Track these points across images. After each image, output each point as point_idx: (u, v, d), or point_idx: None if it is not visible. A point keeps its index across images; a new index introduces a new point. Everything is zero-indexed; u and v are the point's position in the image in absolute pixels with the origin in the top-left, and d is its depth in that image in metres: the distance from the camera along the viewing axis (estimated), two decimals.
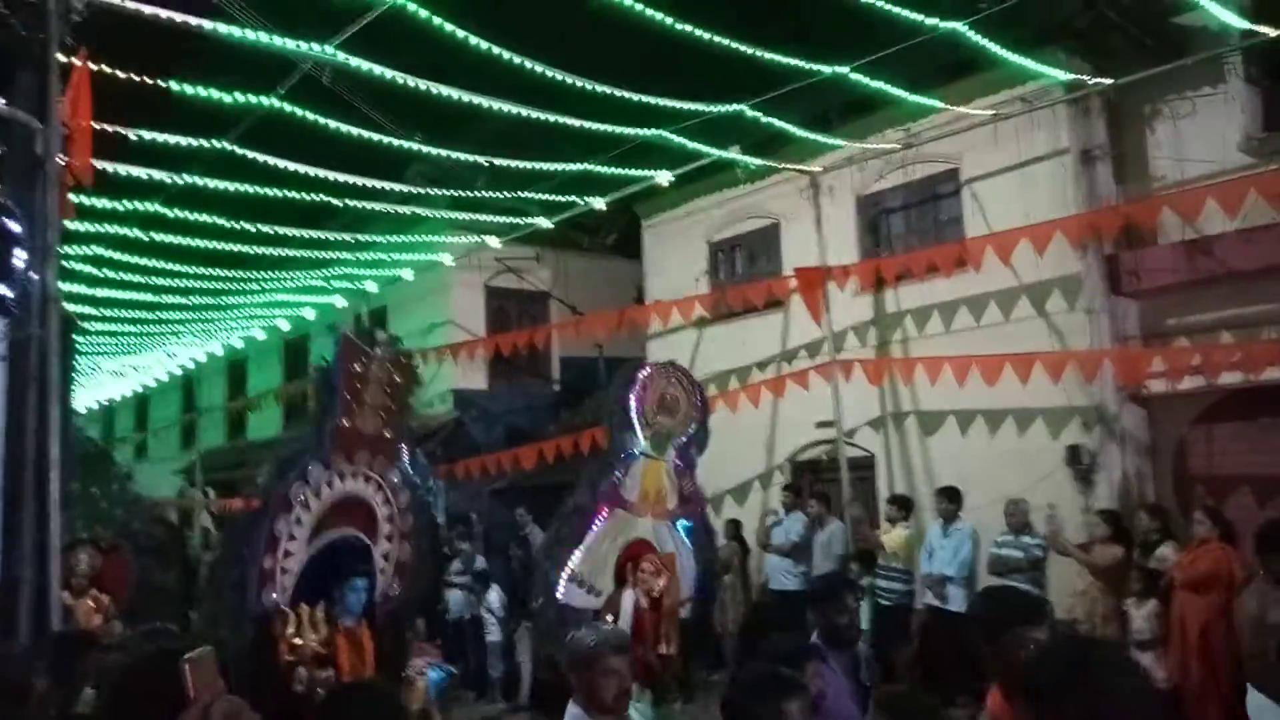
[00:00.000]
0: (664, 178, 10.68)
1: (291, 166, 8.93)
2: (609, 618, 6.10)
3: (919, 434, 10.69)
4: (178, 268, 12.14)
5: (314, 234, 11.73)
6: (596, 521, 6.32)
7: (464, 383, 15.10)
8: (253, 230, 10.80)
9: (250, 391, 20.21)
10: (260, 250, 11.84)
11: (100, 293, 12.74)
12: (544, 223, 12.28)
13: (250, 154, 8.64)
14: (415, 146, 9.40)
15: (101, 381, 20.87)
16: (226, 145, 8.49)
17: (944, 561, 8.68)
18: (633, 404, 6.57)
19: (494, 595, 10.69)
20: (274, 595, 5.08)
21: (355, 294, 15.20)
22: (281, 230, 11.10)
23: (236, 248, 11.52)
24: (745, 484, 12.01)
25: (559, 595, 6.18)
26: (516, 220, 12.56)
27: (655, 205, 13.51)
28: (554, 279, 16.28)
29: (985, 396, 9.41)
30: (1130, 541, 8.01)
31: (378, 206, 10.90)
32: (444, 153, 9.38)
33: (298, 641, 4.97)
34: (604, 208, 11.74)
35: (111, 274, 12.09)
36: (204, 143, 8.45)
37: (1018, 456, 9.44)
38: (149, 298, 13.32)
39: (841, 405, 10.51)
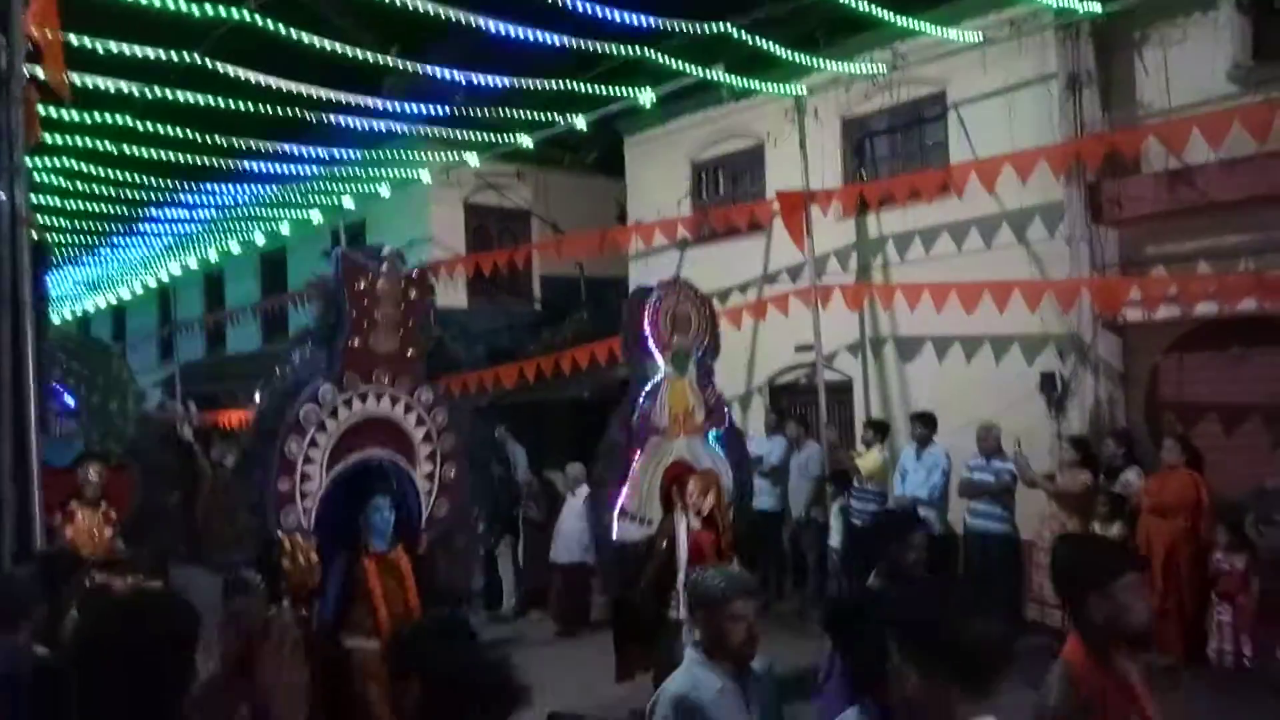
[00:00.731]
0: (647, 98, 10.50)
1: (264, 80, 8.72)
2: (661, 542, 6.26)
3: (896, 359, 10.79)
4: (150, 181, 11.92)
5: (288, 148, 11.51)
6: (636, 456, 6.38)
7: (444, 301, 14.88)
8: (225, 144, 10.59)
9: (227, 305, 20.04)
10: (233, 164, 11.63)
11: (72, 205, 12.55)
12: (525, 140, 12.08)
13: (222, 67, 8.41)
14: (391, 61, 9.17)
15: (77, 294, 20.66)
16: (197, 58, 8.27)
17: (916, 484, 8.87)
18: (647, 330, 6.60)
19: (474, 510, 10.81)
20: (294, 517, 5.03)
21: (332, 209, 14.98)
22: (255, 144, 10.89)
23: (209, 162, 11.31)
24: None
25: (614, 535, 6.28)
26: (496, 137, 12.35)
27: (638, 123, 13.30)
28: (535, 196, 16.09)
29: (962, 323, 9.48)
30: (1097, 467, 8.21)
31: (353, 121, 10.67)
32: (421, 68, 9.15)
33: (287, 566, 4.94)
34: (584, 128, 11.56)
35: (84, 187, 11.88)
36: (174, 55, 8.22)
37: (993, 382, 9.57)
38: (122, 211, 13.11)
39: (821, 329, 10.56)
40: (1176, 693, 7.20)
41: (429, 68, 9.16)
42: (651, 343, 6.61)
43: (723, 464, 6.86)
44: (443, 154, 13.19)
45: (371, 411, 5.41)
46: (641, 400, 6.50)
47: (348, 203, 14.67)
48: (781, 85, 10.96)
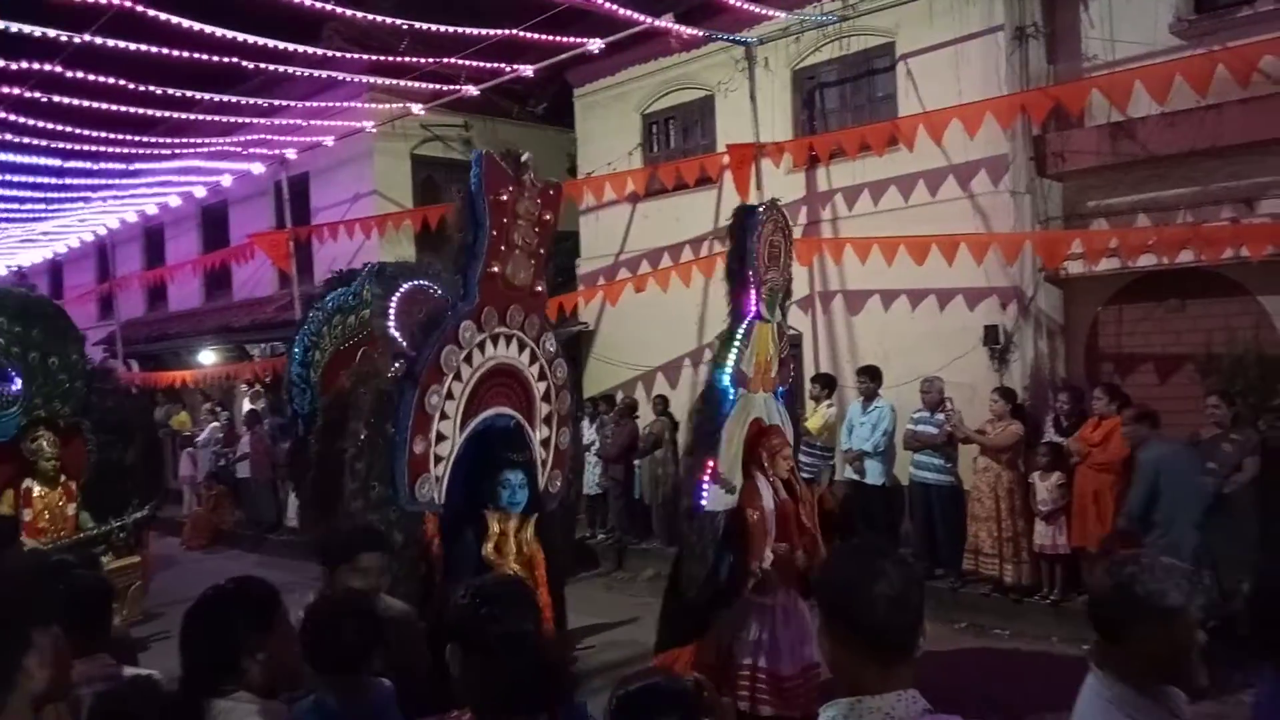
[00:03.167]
0: (595, 45, 10.32)
1: (201, 27, 8.43)
2: (752, 514, 5.17)
3: (845, 313, 10.85)
4: (82, 131, 11.52)
5: (226, 98, 11.18)
6: (727, 408, 5.25)
7: (391, 255, 14.79)
8: (159, 94, 10.24)
9: (168, 261, 19.56)
10: (169, 114, 11.27)
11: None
12: (471, 90, 11.84)
13: (154, 13, 8.10)
14: (330, 6, 8.90)
15: (11, 249, 20.02)
16: (128, 3, 7.94)
17: (862, 438, 8.98)
18: (752, 257, 5.42)
19: None
20: (426, 489, 4.12)
21: (274, 161, 14.62)
22: (191, 94, 10.55)
23: (143, 111, 10.95)
24: (676, 361, 12.13)
25: (703, 503, 5.06)
26: (442, 86, 12.10)
27: (587, 74, 13.10)
28: (483, 148, 15.81)
29: (909, 276, 9.55)
30: (1026, 418, 8.36)
31: (293, 70, 10.39)
32: (360, 14, 8.91)
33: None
34: (532, 75, 11.35)
35: (12, 137, 11.45)
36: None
37: (938, 335, 9.67)
38: (54, 162, 12.67)
39: None
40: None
41: (371, 15, 8.92)
42: (753, 275, 5.44)
43: (789, 426, 5.89)
44: (387, 103, 12.90)
45: (503, 358, 4.53)
46: (738, 341, 5.34)
47: (290, 154, 14.33)
48: (731, 33, 10.84)
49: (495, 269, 4.43)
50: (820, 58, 10.99)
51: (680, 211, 12.26)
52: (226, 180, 15.54)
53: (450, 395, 4.24)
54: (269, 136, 13.52)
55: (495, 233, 4.40)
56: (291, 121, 13.07)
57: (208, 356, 17.76)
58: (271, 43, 9.08)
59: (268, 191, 16.20)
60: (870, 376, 9.17)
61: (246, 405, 16.49)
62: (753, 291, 5.45)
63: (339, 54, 10.09)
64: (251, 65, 9.70)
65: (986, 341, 9.43)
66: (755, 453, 5.37)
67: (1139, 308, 9.05)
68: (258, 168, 14.89)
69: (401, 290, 5.46)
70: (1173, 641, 2.17)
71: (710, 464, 5.11)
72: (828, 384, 9.65)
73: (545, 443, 4.83)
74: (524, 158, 4.59)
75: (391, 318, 5.33)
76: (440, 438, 4.21)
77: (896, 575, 1.81)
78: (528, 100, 15.32)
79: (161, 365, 18.64)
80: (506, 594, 2.31)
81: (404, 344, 5.14)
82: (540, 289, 4.76)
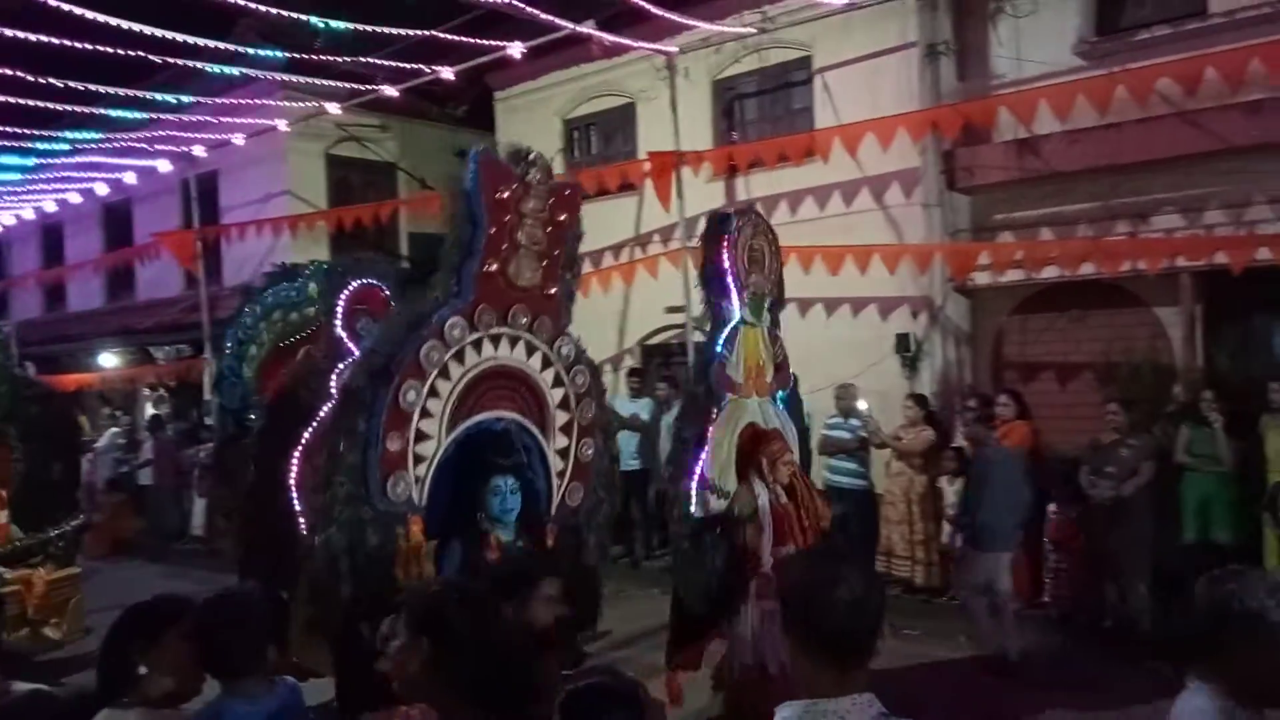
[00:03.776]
0: (516, 49, 10.28)
1: (107, 20, 8.12)
2: (749, 520, 5.16)
3: None
4: None
5: (131, 92, 10.79)
6: (714, 416, 5.27)
7: (304, 257, 14.42)
8: (61, 86, 9.83)
9: (68, 260, 18.79)
10: (71, 108, 10.84)
11: None
12: (389, 90, 11.67)
13: (56, 3, 7.78)
14: (244, 1, 8.66)
15: None
16: None
17: None
18: (727, 264, 5.41)
19: None
20: (403, 487, 3.94)
21: (181, 158, 14.16)
22: (94, 88, 10.15)
23: (43, 104, 10.50)
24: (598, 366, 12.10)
25: (692, 510, 5.12)
26: (359, 86, 11.90)
27: (508, 78, 13.03)
28: (401, 150, 15.59)
29: (824, 285, 9.73)
30: (938, 424, 8.61)
31: (202, 65, 10.09)
32: (274, 10, 8.70)
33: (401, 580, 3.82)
34: (452, 77, 11.24)
35: None
36: None
37: (852, 343, 9.87)
38: None
39: (691, 291, 10.64)
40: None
41: (285, 11, 8.72)
42: (731, 280, 5.42)
43: (790, 430, 5.79)
44: (302, 103, 12.62)
45: (504, 360, 4.35)
46: (720, 348, 5.33)
47: (198, 152, 13.91)
48: (652, 42, 10.90)
49: (494, 267, 4.23)
50: (740, 69, 11.15)
51: (601, 217, 12.20)
52: (130, 177, 15.00)
53: (435, 393, 4.05)
54: (176, 133, 13.11)
55: (494, 230, 4.20)
56: (201, 118, 12.69)
57: (109, 359, 17.09)
58: (181, 36, 8.80)
59: (174, 190, 15.69)
60: None
61: (150, 410, 15.93)
62: (734, 297, 5.44)
63: (252, 50, 9.83)
64: (160, 59, 9.41)
65: (898, 349, 9.67)
66: (754, 458, 5.33)
67: (1042, 318, 9.38)
68: (164, 165, 14.41)
69: (350, 288, 5.30)
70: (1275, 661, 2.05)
71: (698, 471, 5.11)
72: None
73: (564, 453, 4.61)
74: (531, 155, 4.32)
75: (339, 316, 5.18)
76: (421, 436, 4.02)
77: (857, 580, 1.83)
78: (447, 103, 15.16)
79: (60, 368, 17.85)
80: (475, 590, 2.31)
81: (350, 344, 5.01)
82: (553, 291, 4.50)
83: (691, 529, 5.14)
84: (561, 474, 4.60)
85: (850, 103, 9.96)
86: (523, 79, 12.91)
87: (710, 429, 5.22)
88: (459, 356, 4.16)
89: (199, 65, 10.06)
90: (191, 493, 12.98)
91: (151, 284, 16.92)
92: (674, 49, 11.02)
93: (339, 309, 5.21)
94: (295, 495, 4.81)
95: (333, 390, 4.81)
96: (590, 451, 4.72)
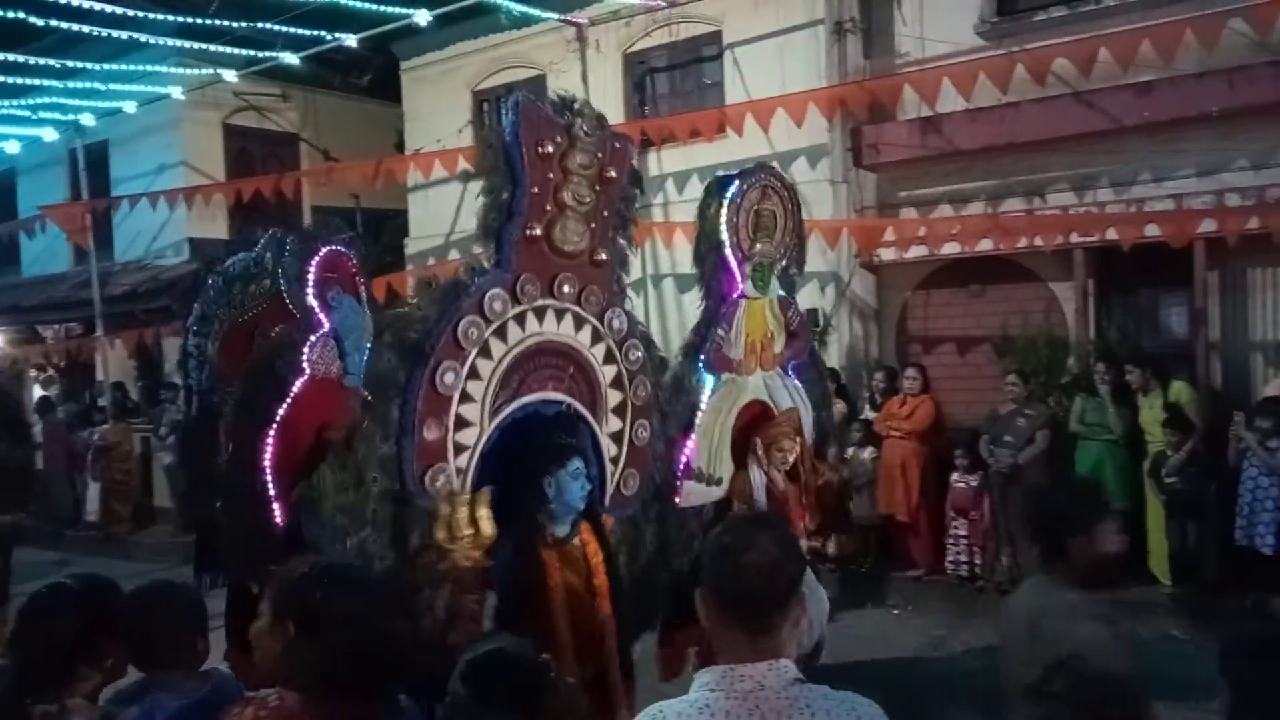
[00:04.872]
0: (422, 17, 10.05)
1: None
2: (739, 506, 4.86)
3: (676, 294, 11.05)
4: None
5: (13, 57, 10.23)
6: (703, 399, 4.84)
7: (201, 231, 13.96)
8: None
9: None
10: None
11: None
12: (289, 58, 11.29)
13: None
14: None
15: None
16: None
17: None
18: (725, 235, 4.88)
19: None
20: (444, 480, 3.54)
21: (68, 126, 13.49)
22: None
23: None
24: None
25: (678, 499, 4.70)
26: (257, 53, 11.49)
27: (414, 47, 12.73)
28: (303, 121, 15.12)
29: None
30: (849, 398, 8.81)
31: (88, 29, 9.61)
32: None
33: (444, 543, 3.46)
34: (355, 44, 10.93)
35: None
36: None
37: None
38: None
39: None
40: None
41: None
42: (729, 252, 4.91)
43: (802, 400, 5.35)
44: (195, 69, 12.12)
45: (550, 336, 3.90)
46: (715, 327, 4.87)
47: (87, 120, 13.26)
48: (562, 13, 10.79)
49: (537, 231, 3.80)
50: (651, 42, 11.10)
51: None
52: (14, 147, 14.23)
53: (475, 374, 3.63)
54: (63, 100, 12.47)
55: (537, 190, 3.76)
56: (89, 85, 12.09)
57: None
58: None
59: (62, 160, 14.95)
60: None
61: (38, 391, 15.22)
62: (736, 270, 4.92)
63: (143, 14, 9.40)
64: (43, 22, 8.94)
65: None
66: (750, 441, 5.01)
67: (944, 292, 9.64)
68: (50, 134, 13.70)
69: (320, 254, 4.85)
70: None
71: (682, 459, 4.72)
72: None
73: (617, 437, 4.19)
74: (577, 104, 3.88)
75: (310, 285, 4.74)
76: (463, 423, 3.62)
77: (771, 547, 1.82)
78: (351, 72, 14.76)
79: None
80: (350, 573, 2.24)
81: (321, 315, 4.66)
82: (603, 256, 4.06)
83: (676, 518, 4.69)
84: (615, 460, 4.19)
85: (760, 79, 10.02)
86: (430, 49, 12.64)
87: (701, 411, 4.82)
88: (502, 333, 3.73)
89: (85, 29, 9.59)
90: (85, 476, 12.47)
91: (39, 259, 16.13)
92: (584, 20, 10.92)
93: (309, 277, 4.76)
94: (269, 479, 4.44)
95: (304, 365, 4.55)
96: (646, 434, 4.33)
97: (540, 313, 3.87)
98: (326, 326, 4.74)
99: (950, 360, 9.56)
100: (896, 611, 7.95)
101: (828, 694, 1.83)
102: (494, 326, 3.70)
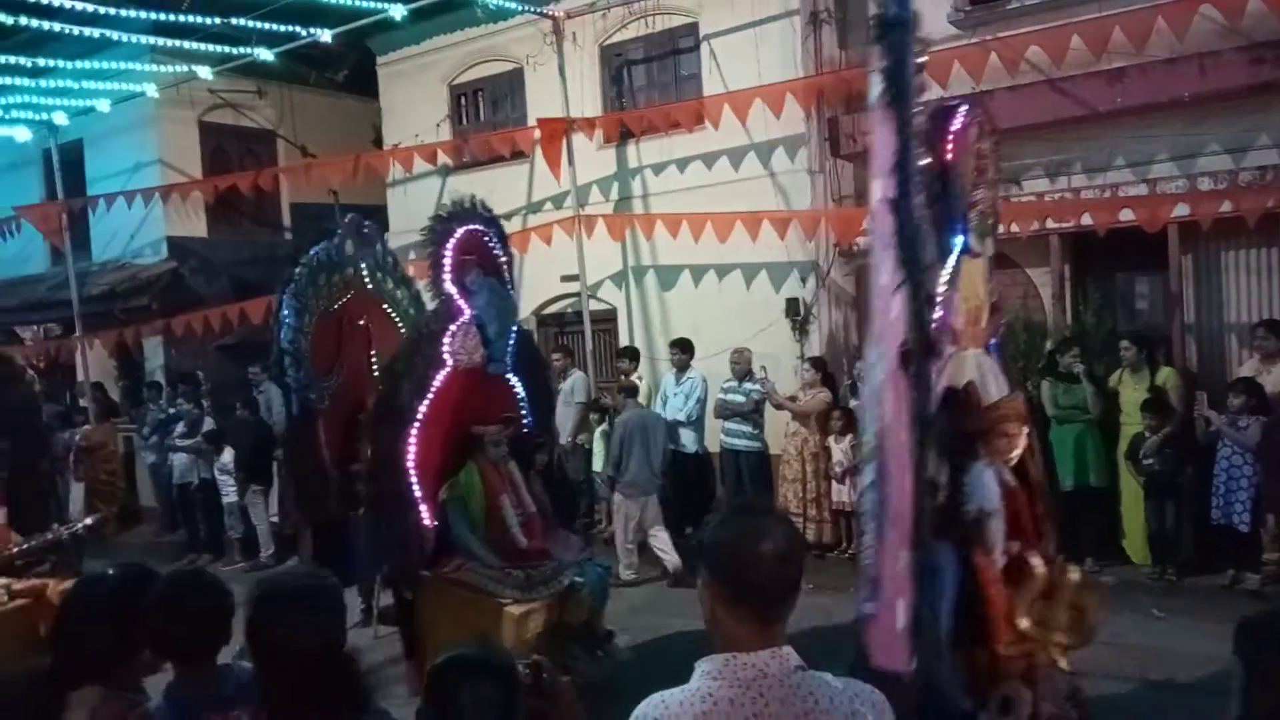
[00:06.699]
0: (398, 11, 10.01)
1: None
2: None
3: (657, 287, 11.09)
4: None
5: None
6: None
7: (179, 229, 13.88)
8: None
9: None
10: None
11: None
12: (264, 54, 11.22)
13: None
14: None
15: None
16: None
17: (676, 408, 9.24)
18: (951, 170, 3.70)
19: (228, 456, 10.32)
20: None
21: (41, 126, 13.35)
22: None
23: None
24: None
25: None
26: (232, 50, 11.41)
27: (390, 41, 12.67)
28: (280, 117, 15.01)
29: (716, 251, 9.87)
30: (833, 385, 8.87)
31: (61, 26, 9.53)
32: None
33: None
34: (330, 40, 10.87)
35: None
36: None
37: (744, 308, 10.05)
38: None
39: (585, 259, 10.66)
40: None
41: None
42: (960, 196, 3.82)
43: (1004, 386, 4.16)
44: (171, 67, 12.03)
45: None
46: (945, 287, 3.66)
47: (61, 119, 13.12)
48: (537, 6, 10.77)
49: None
50: (627, 35, 11.10)
51: (492, 184, 12.00)
52: None
53: None
54: (36, 99, 12.35)
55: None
56: (62, 84, 11.98)
57: None
58: None
59: (36, 160, 14.80)
60: (682, 348, 9.44)
61: None
62: (959, 215, 3.81)
63: (115, 11, 9.31)
64: (13, 20, 8.85)
65: (788, 313, 9.89)
66: (973, 430, 3.81)
67: None
68: (23, 133, 13.55)
69: (456, 236, 4.67)
70: None
71: None
72: (633, 356, 9.93)
73: None
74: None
75: (448, 270, 4.57)
76: None
77: (781, 534, 1.84)
78: (327, 67, 14.66)
79: None
80: (295, 594, 2.18)
81: (461, 302, 4.46)
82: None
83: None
84: None
85: (736, 70, 10.05)
86: (406, 43, 12.59)
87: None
88: None
89: (58, 27, 9.50)
90: (67, 478, 12.38)
91: (14, 260, 15.96)
92: (560, 13, 10.91)
93: (445, 261, 4.53)
94: (414, 481, 4.31)
95: (445, 356, 4.38)
96: None
97: None
98: (467, 314, 4.54)
99: None
100: None
101: (830, 681, 1.86)
102: None
